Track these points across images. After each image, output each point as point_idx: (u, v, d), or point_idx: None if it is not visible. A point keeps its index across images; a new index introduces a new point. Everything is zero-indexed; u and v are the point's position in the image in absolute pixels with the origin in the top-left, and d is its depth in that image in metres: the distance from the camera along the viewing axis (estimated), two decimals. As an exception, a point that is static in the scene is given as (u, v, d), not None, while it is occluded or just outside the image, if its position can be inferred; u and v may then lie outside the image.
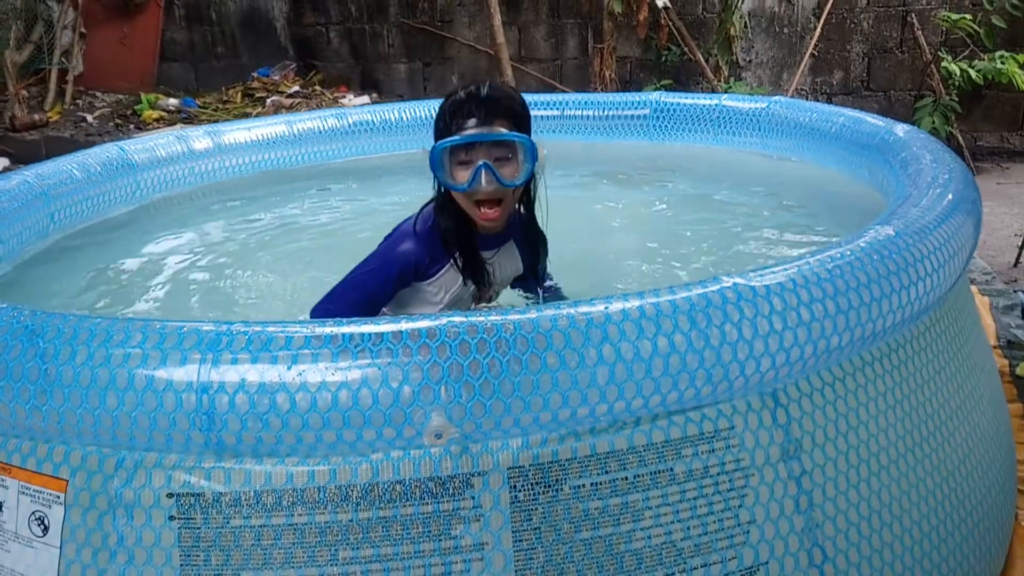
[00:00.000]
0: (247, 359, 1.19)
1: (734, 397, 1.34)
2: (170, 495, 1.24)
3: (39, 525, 1.30)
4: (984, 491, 1.68)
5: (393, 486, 1.22)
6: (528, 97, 4.25)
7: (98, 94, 7.66)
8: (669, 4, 6.21)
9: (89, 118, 7.08)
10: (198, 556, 1.23)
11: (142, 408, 1.21)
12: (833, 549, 1.39)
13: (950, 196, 1.82)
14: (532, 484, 1.25)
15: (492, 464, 1.23)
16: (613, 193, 3.79)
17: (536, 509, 1.25)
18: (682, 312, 1.27)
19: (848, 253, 1.47)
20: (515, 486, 1.24)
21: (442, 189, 1.87)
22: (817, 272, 1.39)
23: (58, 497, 1.29)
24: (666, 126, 3.92)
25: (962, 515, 1.59)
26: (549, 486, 1.25)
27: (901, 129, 2.69)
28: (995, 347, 2.94)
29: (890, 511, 1.46)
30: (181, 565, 1.23)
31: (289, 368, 1.18)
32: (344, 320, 1.23)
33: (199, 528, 1.23)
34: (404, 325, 1.20)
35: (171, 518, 1.24)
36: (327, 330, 1.21)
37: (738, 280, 1.34)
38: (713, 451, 1.32)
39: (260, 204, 3.60)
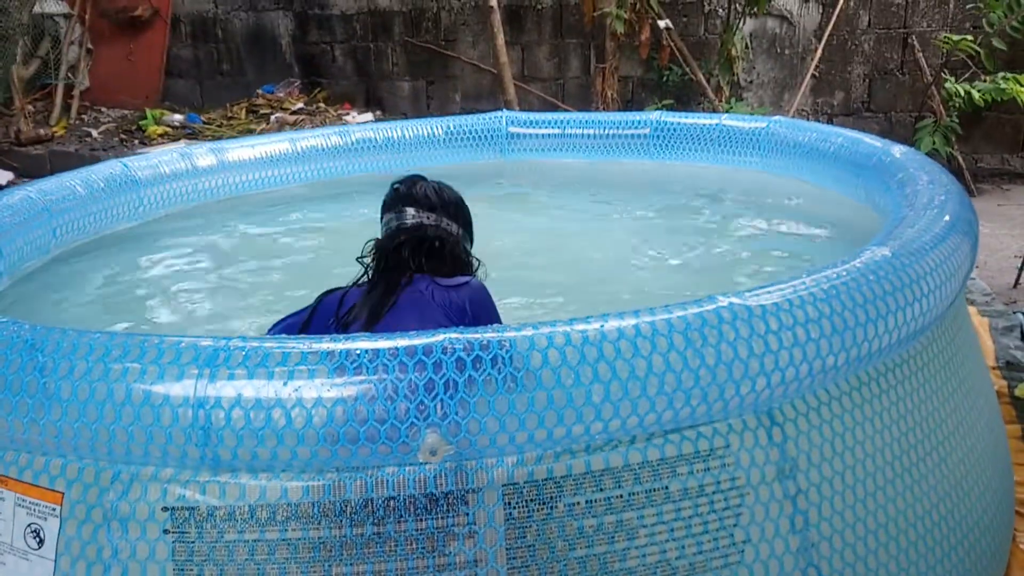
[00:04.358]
0: (244, 375, 1.20)
1: (729, 417, 1.34)
2: (165, 508, 1.24)
3: (35, 537, 1.31)
4: (980, 513, 1.67)
5: (387, 502, 1.22)
6: (531, 116, 4.31)
7: (103, 109, 7.71)
8: (671, 25, 6.25)
9: (94, 133, 7.12)
10: (192, 570, 1.23)
11: (139, 423, 1.21)
12: (828, 569, 1.38)
13: (947, 217, 1.82)
14: (527, 501, 1.24)
15: (487, 481, 1.23)
16: (608, 210, 3.81)
17: (531, 526, 1.24)
18: (677, 331, 1.27)
19: (844, 273, 1.48)
20: (510, 503, 1.24)
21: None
22: (813, 292, 1.40)
23: (54, 509, 1.30)
24: (667, 145, 3.94)
25: (958, 536, 1.59)
26: (544, 503, 1.25)
27: (898, 150, 2.71)
28: (994, 368, 2.94)
29: (886, 531, 1.45)
30: (175, 579, 1.23)
31: (285, 384, 1.19)
32: (340, 336, 1.24)
33: (193, 542, 1.23)
34: (400, 342, 1.21)
35: (166, 531, 1.24)
36: (323, 346, 1.21)
37: (734, 300, 1.35)
38: (708, 469, 1.32)
39: (264, 221, 3.61)
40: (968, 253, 1.77)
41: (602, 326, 1.26)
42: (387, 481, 1.22)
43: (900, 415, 1.53)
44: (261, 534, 1.22)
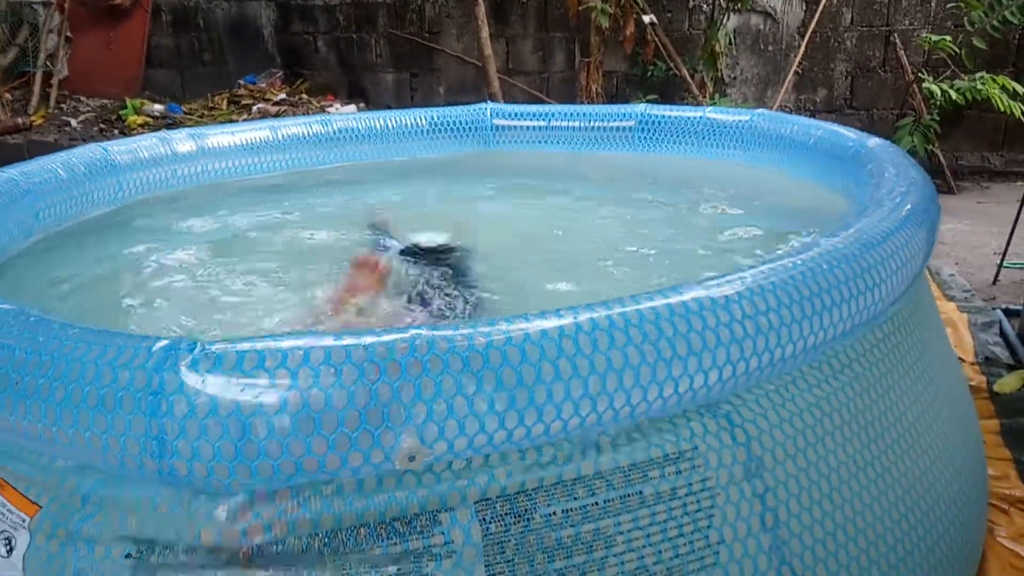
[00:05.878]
0: (199, 378, 1.10)
1: (690, 409, 1.33)
2: (126, 536, 1.19)
3: (5, 545, 1.27)
4: (948, 503, 1.69)
5: (358, 530, 1.17)
6: (516, 107, 4.29)
7: (83, 99, 7.62)
8: (655, 20, 6.25)
9: (73, 122, 7.04)
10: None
11: (93, 428, 1.14)
12: (801, 566, 1.39)
13: (908, 206, 1.83)
14: (501, 515, 1.22)
15: (459, 499, 1.20)
16: (589, 202, 3.81)
17: (508, 541, 1.22)
18: (633, 325, 1.25)
19: (790, 265, 1.47)
20: (484, 519, 1.21)
21: None
22: (763, 283, 1.39)
23: (24, 520, 1.26)
24: (651, 138, 3.94)
25: (926, 527, 1.60)
26: (519, 516, 1.22)
27: (873, 142, 2.71)
28: (973, 364, 2.96)
29: (854, 525, 1.46)
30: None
31: (243, 390, 1.10)
32: (304, 333, 1.19)
33: (155, 569, 1.18)
34: (367, 339, 1.15)
35: (127, 556, 1.19)
36: (284, 344, 1.14)
37: (697, 289, 1.34)
38: (679, 472, 1.31)
39: (245, 208, 3.58)
40: (923, 242, 1.77)
41: (575, 319, 1.23)
42: (355, 512, 1.17)
43: (860, 408, 1.54)
44: (228, 566, 1.16)
